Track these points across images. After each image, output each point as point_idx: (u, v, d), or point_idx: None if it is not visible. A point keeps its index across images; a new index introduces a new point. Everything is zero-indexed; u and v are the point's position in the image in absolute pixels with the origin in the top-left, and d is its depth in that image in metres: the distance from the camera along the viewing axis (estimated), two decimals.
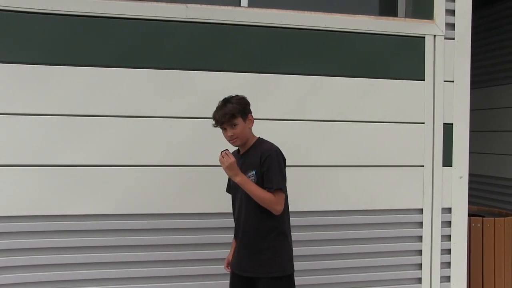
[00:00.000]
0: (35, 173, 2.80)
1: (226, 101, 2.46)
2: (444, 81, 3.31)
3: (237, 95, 2.50)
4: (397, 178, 3.26)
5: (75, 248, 2.85)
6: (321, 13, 3.14)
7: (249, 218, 2.45)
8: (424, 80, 3.29)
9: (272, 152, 2.43)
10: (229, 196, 2.63)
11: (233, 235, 2.59)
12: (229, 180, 2.57)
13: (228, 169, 2.39)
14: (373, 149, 3.22)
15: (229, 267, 2.62)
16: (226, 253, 2.82)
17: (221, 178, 2.69)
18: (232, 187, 2.57)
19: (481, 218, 3.77)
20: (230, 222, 2.71)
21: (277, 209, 2.41)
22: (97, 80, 2.85)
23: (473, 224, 3.72)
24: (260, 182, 2.42)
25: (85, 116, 2.85)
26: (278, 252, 2.45)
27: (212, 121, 2.47)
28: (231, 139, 2.45)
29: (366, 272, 3.23)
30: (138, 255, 2.93)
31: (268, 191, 2.39)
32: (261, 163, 2.41)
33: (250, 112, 2.50)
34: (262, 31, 3.06)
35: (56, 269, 2.84)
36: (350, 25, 3.17)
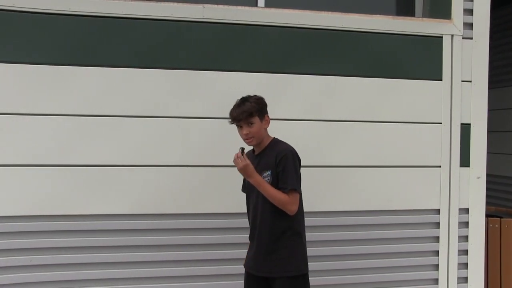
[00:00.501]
0: (49, 173, 2.82)
1: (244, 100, 2.48)
2: (462, 81, 3.29)
3: (255, 95, 2.52)
4: (413, 178, 3.24)
5: (86, 248, 2.86)
6: (337, 13, 3.14)
7: (264, 218, 2.46)
8: (441, 80, 3.27)
9: (288, 153, 2.44)
10: (240, 196, 2.64)
11: (247, 235, 2.59)
12: (245, 179, 2.58)
13: (242, 170, 2.41)
14: (389, 149, 3.21)
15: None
16: (237, 253, 2.84)
17: (232, 178, 2.70)
18: (247, 187, 2.58)
19: (499, 218, 3.74)
20: (241, 222, 2.72)
21: (292, 209, 2.42)
22: (113, 81, 2.87)
23: (491, 225, 3.69)
24: (275, 182, 2.43)
25: (99, 116, 2.86)
26: (293, 251, 2.46)
27: (228, 120, 2.48)
28: (246, 138, 2.46)
29: (382, 273, 3.21)
30: (145, 255, 2.92)
31: (282, 191, 2.40)
32: (276, 163, 2.42)
33: (267, 112, 2.51)
34: (278, 31, 3.06)
35: (67, 269, 2.85)
36: (367, 25, 3.16)
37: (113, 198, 2.88)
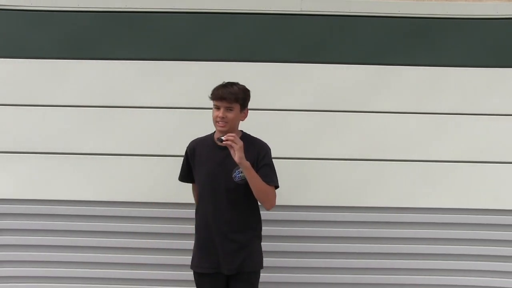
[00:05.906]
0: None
1: (232, 84, 2.42)
2: None
3: (243, 84, 2.45)
4: None
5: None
6: (441, 0, 2.98)
7: (240, 212, 2.42)
8: None
9: (269, 150, 2.47)
10: None
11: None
12: (186, 167, 2.54)
13: (240, 150, 2.29)
14: (501, 144, 2.99)
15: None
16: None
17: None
18: (210, 178, 2.44)
19: None
20: None
21: (274, 203, 2.44)
22: (214, 74, 2.92)
23: None
24: None
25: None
26: (260, 246, 2.51)
27: (208, 96, 2.42)
28: (221, 121, 2.37)
29: (489, 277, 3.01)
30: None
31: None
32: (260, 158, 2.41)
33: (248, 106, 2.45)
34: (378, 21, 2.98)
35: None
36: (476, 10, 2.97)
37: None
